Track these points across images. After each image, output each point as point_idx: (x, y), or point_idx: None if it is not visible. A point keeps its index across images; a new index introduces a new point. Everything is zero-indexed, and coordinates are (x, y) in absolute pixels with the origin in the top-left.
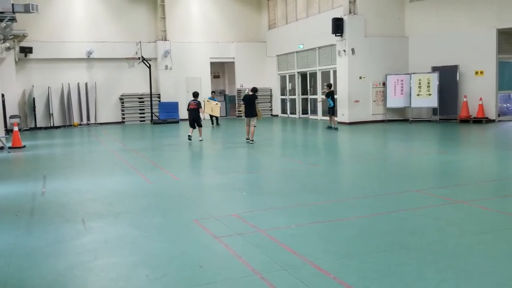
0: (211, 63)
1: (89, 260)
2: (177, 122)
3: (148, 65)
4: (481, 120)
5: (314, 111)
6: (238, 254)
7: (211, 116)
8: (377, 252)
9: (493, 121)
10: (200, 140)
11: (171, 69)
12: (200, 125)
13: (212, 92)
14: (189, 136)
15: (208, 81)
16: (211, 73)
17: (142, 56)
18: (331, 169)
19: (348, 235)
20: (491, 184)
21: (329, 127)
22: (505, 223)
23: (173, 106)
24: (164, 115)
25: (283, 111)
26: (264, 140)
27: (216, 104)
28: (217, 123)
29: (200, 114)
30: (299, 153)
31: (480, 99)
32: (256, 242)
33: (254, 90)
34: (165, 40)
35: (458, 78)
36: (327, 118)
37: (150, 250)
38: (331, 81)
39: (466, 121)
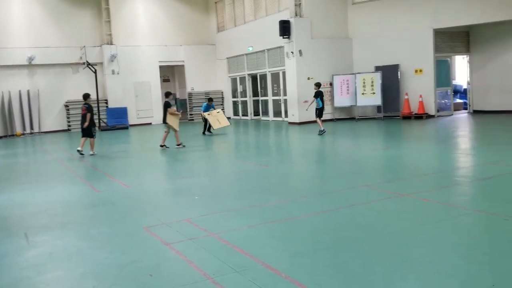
0: (160, 67)
1: (34, 275)
2: (126, 128)
3: (93, 70)
4: (422, 116)
5: (266, 113)
6: (189, 259)
7: (206, 124)
8: (327, 248)
9: (432, 116)
10: (91, 155)
11: (118, 73)
12: (91, 136)
13: (209, 99)
14: (78, 150)
15: (157, 85)
16: (160, 77)
17: (87, 61)
18: (283, 169)
19: (299, 233)
20: (431, 176)
21: (322, 131)
22: (445, 213)
23: (122, 112)
24: (112, 121)
25: (235, 113)
26: (217, 142)
27: (218, 112)
28: (209, 130)
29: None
30: (252, 154)
31: (420, 96)
32: (208, 246)
33: (166, 94)
34: (111, 44)
35: (399, 77)
36: (315, 120)
37: (98, 261)
38: (281, 82)
39: (408, 117)
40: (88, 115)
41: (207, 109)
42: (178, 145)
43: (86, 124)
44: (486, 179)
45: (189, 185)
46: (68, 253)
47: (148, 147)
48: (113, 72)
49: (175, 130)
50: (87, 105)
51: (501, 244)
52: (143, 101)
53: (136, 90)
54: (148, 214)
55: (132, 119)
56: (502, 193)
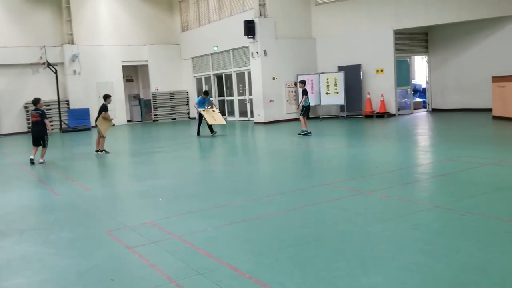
0: (123, 67)
1: None
2: (88, 129)
3: (54, 70)
4: (383, 115)
5: (232, 113)
6: (152, 263)
7: (201, 122)
8: (291, 247)
9: (393, 115)
10: (41, 163)
11: (80, 74)
12: (44, 145)
13: (205, 92)
14: (31, 159)
15: (121, 85)
16: (123, 77)
17: (47, 61)
18: (248, 169)
19: (263, 233)
20: (393, 174)
21: (307, 132)
22: (406, 209)
23: (84, 113)
24: (74, 122)
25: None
26: (182, 143)
27: (214, 111)
28: (213, 131)
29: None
30: (218, 154)
31: (382, 95)
32: (172, 249)
33: (105, 97)
34: (72, 43)
35: (361, 77)
36: (299, 120)
37: (58, 267)
38: (246, 82)
39: (370, 116)
40: (47, 121)
41: (202, 103)
42: (98, 151)
43: (50, 131)
44: (445, 175)
45: (153, 187)
46: (27, 260)
47: (111, 149)
48: (74, 72)
49: (102, 136)
50: (40, 111)
51: (459, 239)
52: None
53: (98, 90)
54: (110, 217)
55: (94, 120)
56: (459, 188)
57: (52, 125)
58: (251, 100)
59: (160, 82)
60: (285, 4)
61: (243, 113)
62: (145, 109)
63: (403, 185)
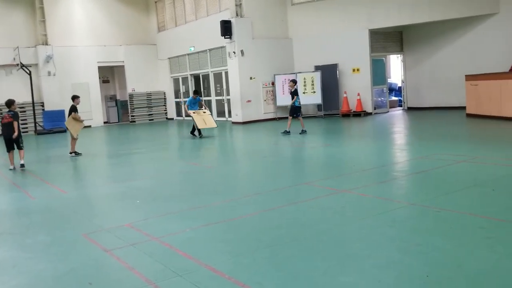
0: (99, 68)
1: None
2: (64, 131)
3: (28, 72)
4: (360, 114)
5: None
6: (130, 265)
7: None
8: (269, 246)
9: (370, 114)
10: (22, 167)
11: (54, 75)
12: (20, 147)
13: (195, 91)
14: (12, 169)
15: (97, 86)
16: (99, 78)
17: (21, 63)
18: (226, 169)
19: (241, 233)
20: (370, 172)
21: (286, 132)
22: (382, 207)
23: (59, 115)
24: (49, 124)
25: (178, 114)
26: (160, 144)
27: (204, 112)
28: (199, 132)
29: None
30: (195, 155)
31: (358, 94)
32: (150, 251)
33: (72, 98)
34: (47, 44)
35: (338, 76)
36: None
37: (34, 272)
38: (223, 82)
39: (347, 115)
40: (16, 124)
41: (193, 104)
42: (71, 153)
43: (16, 134)
44: (420, 172)
45: (131, 188)
46: (2, 265)
47: (87, 151)
48: (49, 73)
49: (73, 138)
50: (13, 113)
51: (434, 236)
52: (82, 103)
53: (74, 92)
54: (87, 220)
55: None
56: (434, 186)
57: (26, 128)
58: (228, 100)
59: (136, 83)
60: (262, 4)
61: (221, 113)
62: (122, 110)
63: (379, 183)
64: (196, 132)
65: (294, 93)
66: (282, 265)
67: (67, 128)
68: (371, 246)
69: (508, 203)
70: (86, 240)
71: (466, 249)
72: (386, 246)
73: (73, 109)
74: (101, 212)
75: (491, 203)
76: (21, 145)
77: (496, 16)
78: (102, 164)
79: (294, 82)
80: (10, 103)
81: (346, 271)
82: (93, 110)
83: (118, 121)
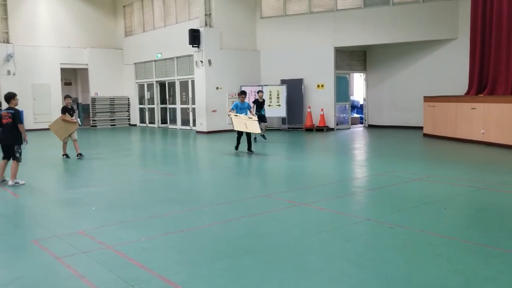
0: (62, 69)
1: None
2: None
3: None
4: (323, 129)
5: (174, 121)
6: (81, 274)
7: (240, 133)
8: (226, 258)
9: (332, 129)
10: (14, 185)
11: (14, 74)
12: (16, 158)
13: (242, 93)
14: (2, 180)
15: (58, 88)
16: (61, 80)
17: None
18: (188, 178)
19: (199, 244)
20: (329, 186)
21: (262, 136)
22: (340, 222)
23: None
24: None
25: (142, 120)
26: (120, 150)
27: (250, 118)
28: (254, 139)
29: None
30: (157, 163)
31: (322, 109)
32: (103, 259)
33: (64, 97)
34: (8, 42)
35: (303, 91)
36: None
37: None
38: (190, 91)
39: (310, 129)
40: (21, 127)
41: (240, 110)
42: (64, 155)
43: (26, 140)
44: (377, 189)
45: (86, 195)
46: None
47: (45, 154)
48: (8, 72)
49: (61, 138)
50: (13, 111)
51: (387, 251)
52: (42, 104)
53: (34, 92)
54: (39, 226)
55: (29, 123)
56: (390, 202)
57: None
58: (194, 109)
59: (100, 87)
60: (231, 15)
61: (185, 121)
62: (84, 114)
63: (338, 198)
64: (241, 146)
65: (254, 103)
66: (237, 277)
67: (49, 127)
68: (326, 260)
69: (458, 221)
70: (36, 247)
71: (416, 265)
72: (341, 259)
73: (63, 110)
74: (54, 218)
75: (442, 221)
76: (18, 156)
77: (455, 41)
78: (59, 169)
79: (244, 93)
80: (10, 96)
81: (302, 284)
82: (53, 113)
83: (79, 125)
